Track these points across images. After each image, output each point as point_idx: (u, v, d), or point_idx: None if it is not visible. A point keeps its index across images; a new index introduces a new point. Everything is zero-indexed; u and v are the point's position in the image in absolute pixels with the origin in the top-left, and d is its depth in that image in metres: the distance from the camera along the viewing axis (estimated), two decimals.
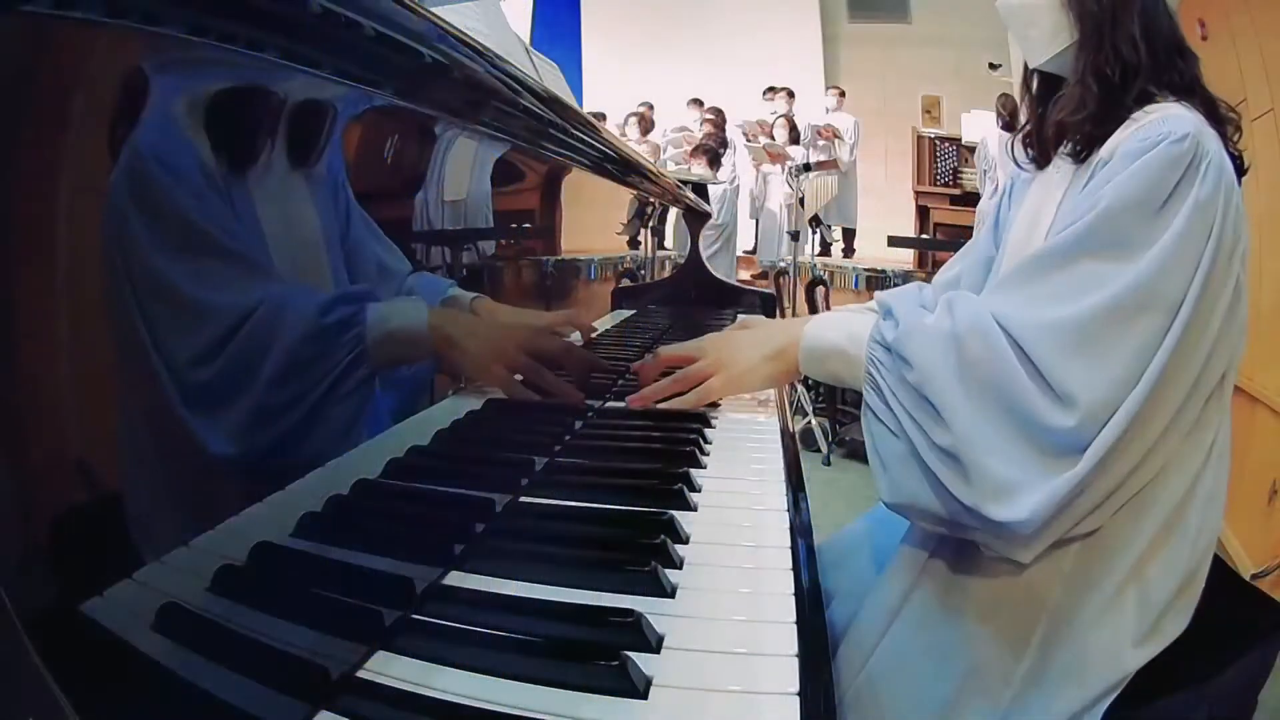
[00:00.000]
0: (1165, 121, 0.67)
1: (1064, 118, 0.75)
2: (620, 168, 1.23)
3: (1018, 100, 0.91)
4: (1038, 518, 0.61)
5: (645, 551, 0.54)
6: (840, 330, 0.76)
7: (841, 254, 5.91)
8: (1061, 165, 0.80)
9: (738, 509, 0.65)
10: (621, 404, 0.92)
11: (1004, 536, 0.63)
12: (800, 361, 0.78)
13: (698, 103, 6.14)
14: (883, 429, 0.70)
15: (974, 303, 0.68)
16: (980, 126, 5.11)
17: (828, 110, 6.06)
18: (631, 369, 0.92)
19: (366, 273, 0.55)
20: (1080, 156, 0.75)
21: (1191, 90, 0.74)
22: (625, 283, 1.49)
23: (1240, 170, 0.70)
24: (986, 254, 0.98)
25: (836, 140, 5.78)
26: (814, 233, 4.63)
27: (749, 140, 5.70)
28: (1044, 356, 0.62)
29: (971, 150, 5.46)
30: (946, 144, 5.92)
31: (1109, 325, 0.62)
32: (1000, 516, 0.61)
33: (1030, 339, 0.63)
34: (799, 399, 3.23)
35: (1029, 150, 0.87)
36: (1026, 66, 0.86)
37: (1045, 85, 0.84)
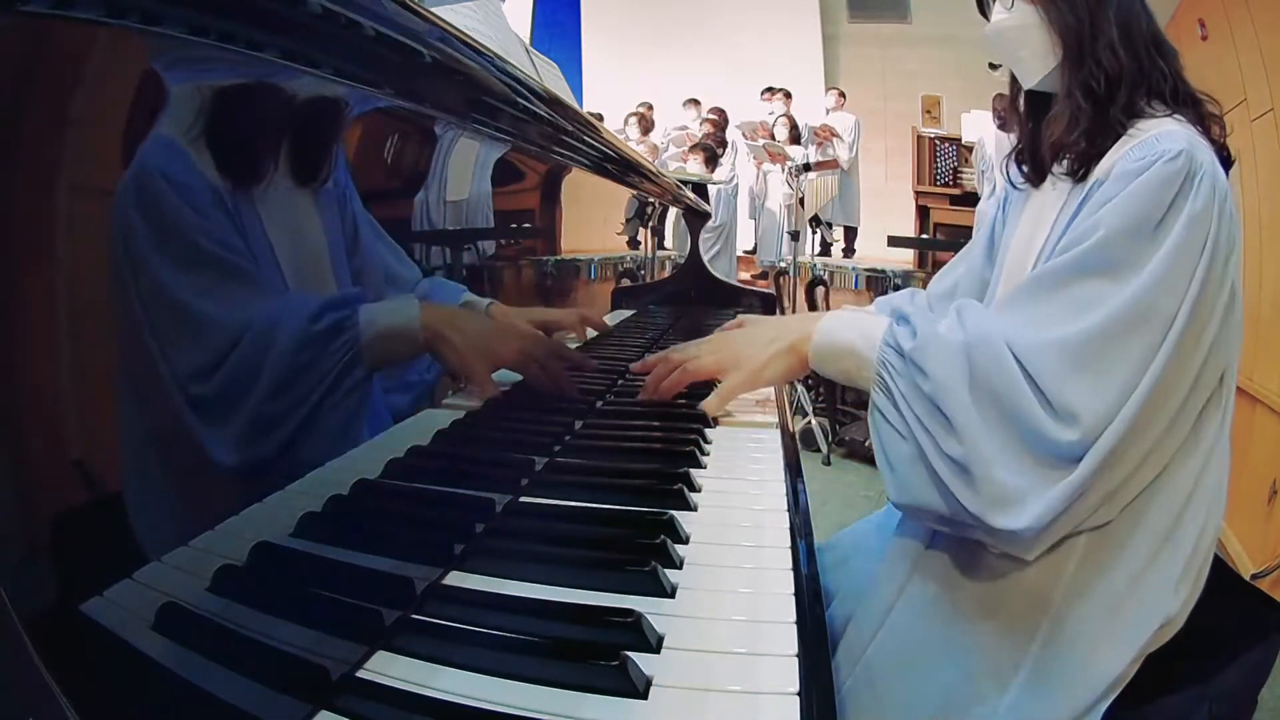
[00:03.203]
0: (1160, 139, 0.68)
1: (1058, 138, 0.76)
2: (620, 168, 1.24)
3: (1007, 120, 0.92)
4: (1039, 524, 0.63)
5: (645, 551, 0.54)
6: (853, 330, 0.76)
7: (841, 254, 5.91)
8: (1058, 183, 0.81)
9: (738, 509, 0.65)
10: (621, 404, 0.92)
11: (1006, 540, 0.66)
12: (811, 357, 0.78)
13: (695, 102, 6.15)
14: (891, 431, 0.71)
15: (982, 315, 0.69)
16: (979, 126, 5.10)
17: (827, 111, 6.06)
18: (633, 368, 0.93)
19: (375, 280, 0.55)
20: (1078, 175, 0.76)
21: (1177, 93, 0.74)
22: (625, 283, 1.49)
23: (1227, 163, 0.71)
24: (981, 273, 0.99)
25: (835, 140, 5.78)
26: (814, 233, 4.63)
27: (748, 140, 5.70)
28: (1046, 375, 0.64)
29: (971, 150, 5.46)
30: (946, 144, 5.91)
31: (1107, 343, 0.64)
32: (1004, 525, 0.63)
33: (1032, 358, 0.64)
34: (799, 399, 3.23)
35: (1023, 168, 0.88)
36: (1014, 86, 0.86)
37: (1035, 102, 0.84)
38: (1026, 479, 0.63)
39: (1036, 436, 0.63)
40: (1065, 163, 0.76)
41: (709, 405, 0.86)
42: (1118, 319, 0.64)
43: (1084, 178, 0.75)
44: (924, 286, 1.10)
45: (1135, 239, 0.65)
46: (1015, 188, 0.90)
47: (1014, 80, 0.86)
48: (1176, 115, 0.72)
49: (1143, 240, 0.65)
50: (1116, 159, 0.71)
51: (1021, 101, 0.86)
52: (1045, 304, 0.67)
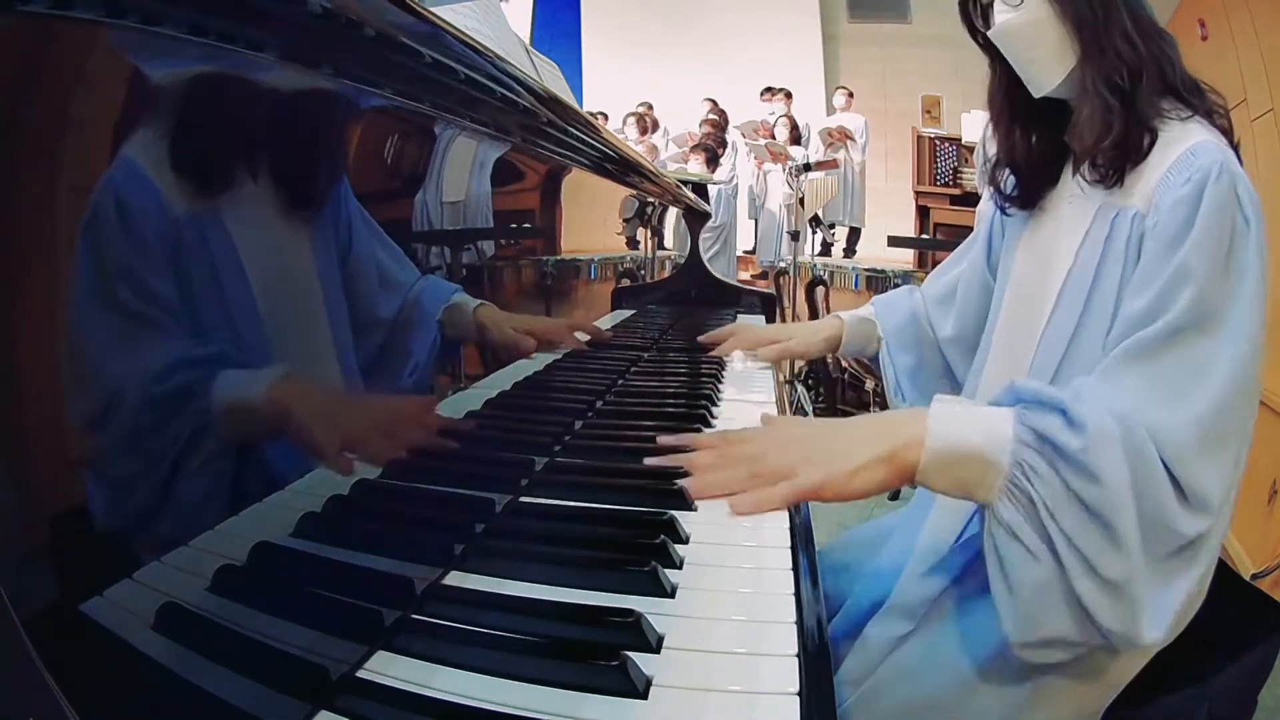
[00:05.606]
0: (1195, 153, 0.66)
1: (1092, 144, 0.71)
2: (620, 168, 1.23)
3: (987, 137, 0.86)
4: (1175, 626, 0.58)
5: (645, 551, 0.54)
6: (975, 427, 0.60)
7: (842, 254, 5.91)
8: (1076, 199, 0.76)
9: None
10: (621, 404, 0.92)
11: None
12: (922, 467, 0.61)
13: (711, 102, 6.03)
14: (1021, 553, 0.57)
15: (1109, 395, 0.59)
16: (980, 126, 5.08)
17: (837, 109, 6.07)
18: (661, 442, 0.73)
19: (370, 285, 0.55)
20: (1110, 182, 0.71)
21: (1186, 83, 0.72)
22: (625, 283, 1.49)
23: (1236, 154, 0.69)
24: (983, 278, 0.95)
25: (848, 141, 5.79)
26: (814, 233, 4.62)
27: (747, 139, 5.70)
28: (1184, 460, 0.56)
29: (971, 150, 5.46)
30: (946, 144, 5.91)
31: (1227, 411, 0.58)
32: (1152, 639, 0.56)
33: (1171, 441, 0.57)
34: (799, 399, 3.23)
35: (1009, 188, 0.83)
36: (1005, 94, 0.80)
37: (1040, 109, 0.78)
38: (1160, 582, 0.56)
39: (1171, 533, 0.56)
40: (1097, 171, 0.71)
41: (768, 499, 0.62)
42: (1232, 384, 0.58)
43: (1117, 183, 0.71)
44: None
45: (1220, 281, 0.62)
46: (1005, 213, 0.85)
47: (1003, 89, 0.81)
48: (1197, 117, 0.70)
49: (1224, 280, 0.62)
50: (1154, 183, 0.67)
51: (1013, 106, 0.80)
52: (1162, 374, 0.59)
